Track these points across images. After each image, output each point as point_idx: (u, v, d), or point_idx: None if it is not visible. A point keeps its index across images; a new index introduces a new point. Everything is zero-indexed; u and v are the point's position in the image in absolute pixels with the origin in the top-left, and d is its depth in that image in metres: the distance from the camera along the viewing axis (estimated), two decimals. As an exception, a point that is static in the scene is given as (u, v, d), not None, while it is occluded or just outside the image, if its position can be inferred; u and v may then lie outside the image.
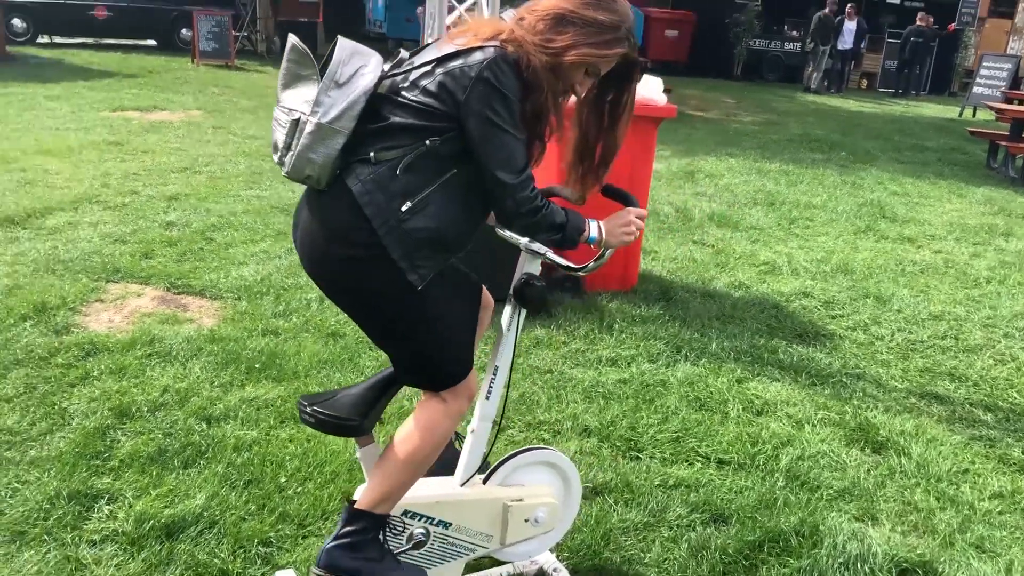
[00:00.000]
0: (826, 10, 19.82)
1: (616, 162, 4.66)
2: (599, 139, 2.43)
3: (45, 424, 3.29)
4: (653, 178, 8.57)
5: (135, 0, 17.32)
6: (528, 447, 2.66)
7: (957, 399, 4.19)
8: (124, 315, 4.40)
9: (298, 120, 2.13)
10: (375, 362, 3.94)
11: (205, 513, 2.79)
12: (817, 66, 20.18)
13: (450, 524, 2.46)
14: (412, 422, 2.31)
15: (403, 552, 2.40)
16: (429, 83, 2.12)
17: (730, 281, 5.59)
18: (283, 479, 3.02)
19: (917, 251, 6.71)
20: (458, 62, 2.11)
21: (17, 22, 16.20)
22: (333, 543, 2.24)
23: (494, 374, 2.47)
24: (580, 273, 2.44)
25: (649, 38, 20.87)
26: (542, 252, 2.43)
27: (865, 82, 23.25)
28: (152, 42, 18.32)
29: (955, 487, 3.39)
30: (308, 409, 2.23)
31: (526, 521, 2.56)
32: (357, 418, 2.22)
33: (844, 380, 4.25)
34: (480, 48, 2.12)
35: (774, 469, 3.35)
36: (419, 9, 16.54)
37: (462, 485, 2.49)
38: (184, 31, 17.17)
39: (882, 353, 4.65)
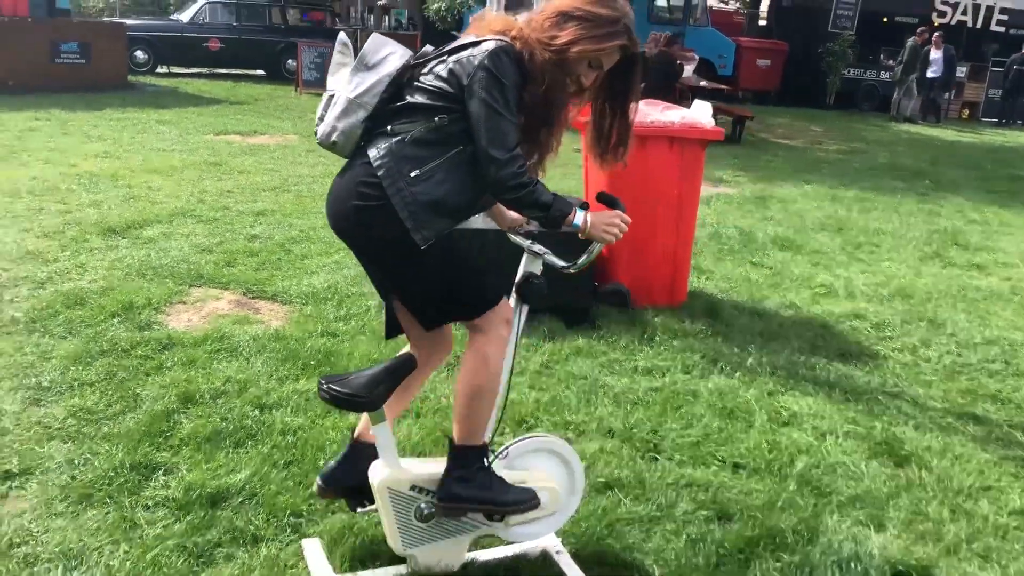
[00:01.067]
0: (916, 38, 19.43)
1: (663, 181, 4.87)
2: (613, 125, 2.70)
3: (119, 406, 3.68)
4: (722, 202, 8.74)
5: (245, 32, 18.33)
6: (533, 434, 2.89)
7: (995, 420, 4.20)
8: (202, 315, 4.81)
9: (332, 96, 2.54)
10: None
11: (247, 486, 3.11)
12: (906, 95, 19.76)
13: (457, 501, 2.70)
14: (466, 362, 2.60)
15: (411, 523, 2.65)
16: (441, 69, 2.48)
17: (781, 301, 5.68)
18: (321, 461, 3.31)
19: (984, 278, 6.65)
20: (467, 52, 2.46)
21: (139, 54, 17.34)
22: (447, 478, 2.56)
23: (497, 365, 2.70)
24: (570, 270, 2.65)
25: (740, 67, 20.88)
26: (542, 253, 2.66)
27: (967, 112, 22.62)
28: (260, 72, 19.31)
29: (973, 502, 3.44)
30: (324, 386, 2.52)
31: (528, 502, 2.77)
32: (365, 395, 2.49)
33: (879, 398, 4.32)
34: (486, 40, 2.45)
35: (788, 475, 3.48)
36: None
37: (467, 466, 2.73)
38: (289, 61, 18.04)
39: (926, 374, 4.68)
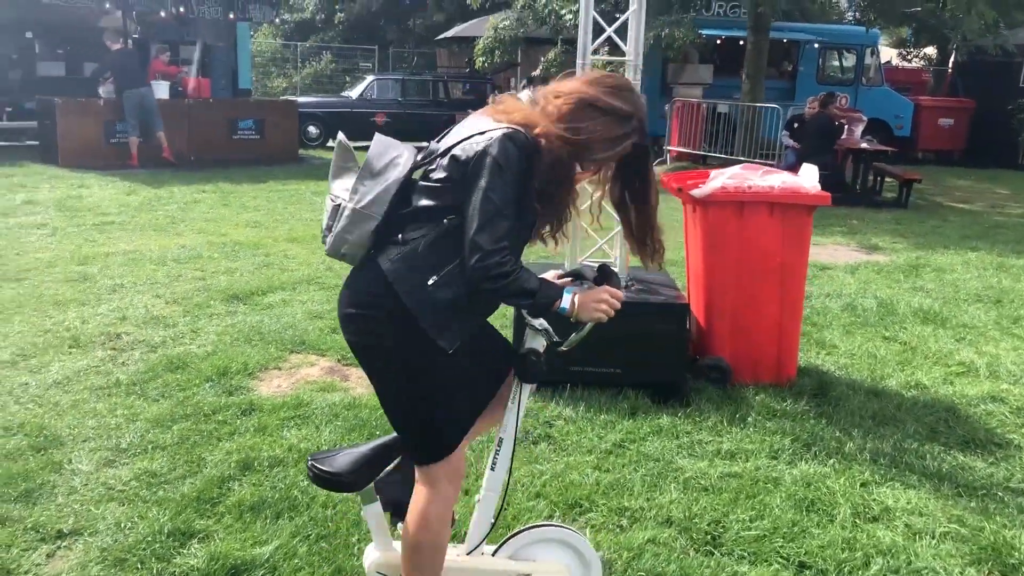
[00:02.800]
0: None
1: (763, 250, 4.58)
2: (637, 217, 2.58)
3: (182, 470, 3.77)
4: (870, 270, 8.18)
5: (410, 107, 19.15)
6: (544, 523, 2.70)
7: None
8: (292, 381, 4.91)
9: (339, 206, 2.44)
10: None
11: (270, 559, 3.08)
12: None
13: (454, 592, 2.56)
14: (410, 513, 2.49)
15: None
16: (446, 160, 2.36)
17: (906, 380, 5.17)
18: (355, 538, 3.24)
19: None
20: (472, 140, 2.34)
21: (311, 128, 18.46)
22: None
23: (499, 446, 2.55)
24: (562, 348, 2.48)
25: (920, 127, 19.75)
26: (543, 329, 2.51)
27: None
28: (425, 144, 20.03)
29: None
30: (310, 463, 2.46)
31: (535, 597, 2.59)
32: (348, 475, 2.40)
33: (999, 494, 3.80)
34: (495, 128, 2.33)
35: (858, 580, 3.09)
36: (666, 106, 16.97)
37: (468, 554, 2.58)
38: (452, 133, 18.62)
39: (1065, 469, 4.09)
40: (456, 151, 2.34)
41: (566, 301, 2.36)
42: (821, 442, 4.21)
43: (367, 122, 18.91)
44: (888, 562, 3.18)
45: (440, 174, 2.36)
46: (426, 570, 2.47)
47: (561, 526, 2.71)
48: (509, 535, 2.68)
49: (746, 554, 3.24)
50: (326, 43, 25.30)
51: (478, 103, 19.32)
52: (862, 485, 3.80)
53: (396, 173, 2.41)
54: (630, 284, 4.96)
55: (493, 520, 2.59)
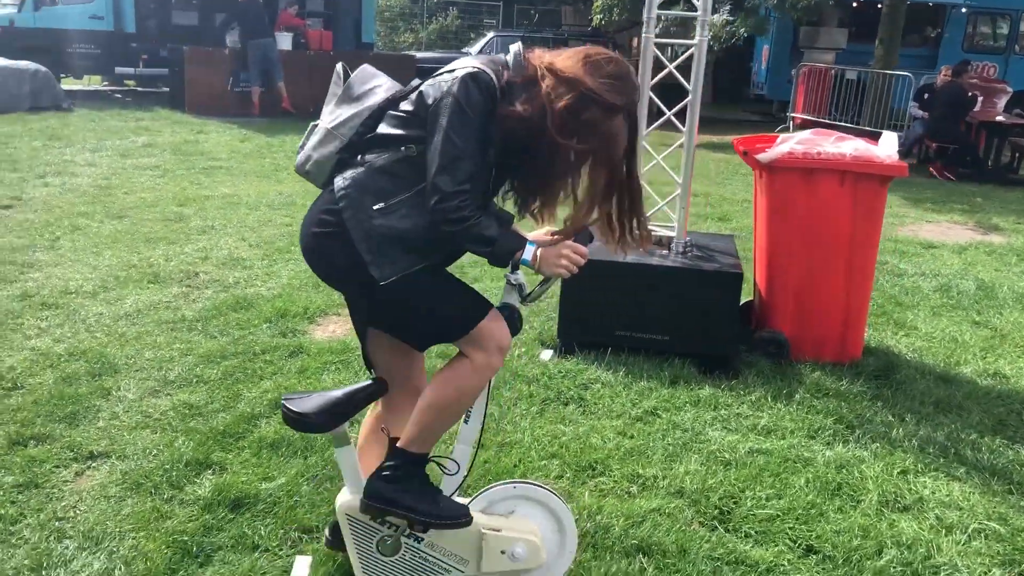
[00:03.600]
0: None
1: (831, 221, 4.33)
2: (623, 201, 2.50)
3: (219, 404, 3.91)
4: (981, 251, 7.69)
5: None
6: (520, 480, 2.66)
7: None
8: (346, 328, 5.00)
9: (315, 126, 2.49)
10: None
11: (272, 495, 3.16)
12: None
13: (422, 539, 2.56)
14: (442, 372, 2.48)
15: (373, 555, 2.55)
16: (415, 95, 2.35)
17: (985, 368, 4.83)
18: (361, 481, 3.29)
19: None
20: (441, 76, 2.31)
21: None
22: (376, 475, 2.48)
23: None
24: (523, 301, 2.42)
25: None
26: (517, 284, 2.46)
27: None
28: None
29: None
30: (282, 402, 2.49)
31: (502, 553, 2.57)
32: (315, 416, 2.43)
33: (1055, 495, 3.52)
34: (463, 66, 2.29)
35: (863, 569, 2.92)
36: (792, 71, 16.27)
37: (440, 504, 2.58)
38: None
39: None
40: (424, 87, 2.33)
41: (528, 253, 2.30)
42: (868, 425, 3.99)
43: (486, 79, 18.94)
44: (902, 554, 3.00)
45: (407, 106, 2.35)
46: (437, 430, 2.47)
47: (548, 489, 2.66)
48: (489, 486, 2.65)
49: (752, 532, 3.12)
50: (454, -1, 25.43)
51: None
52: (900, 473, 3.59)
53: (373, 100, 2.42)
54: (688, 249, 4.81)
55: (466, 472, 2.58)
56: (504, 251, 2.29)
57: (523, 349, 4.73)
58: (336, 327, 5.00)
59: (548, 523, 2.64)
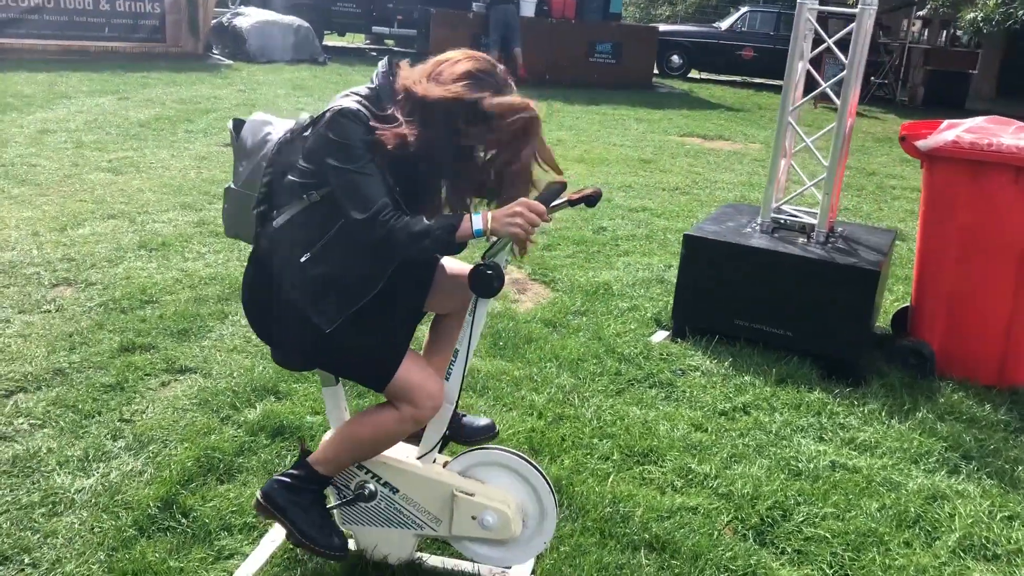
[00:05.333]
0: None
1: (1002, 225, 4.06)
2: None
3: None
4: None
5: (781, 42, 18.09)
6: (503, 448, 2.55)
7: None
8: (472, 285, 5.04)
9: (228, 188, 2.53)
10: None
11: (311, 428, 3.26)
12: None
13: (397, 490, 2.54)
14: (369, 410, 2.48)
15: (349, 501, 2.56)
16: (304, 139, 2.33)
17: None
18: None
19: None
20: (322, 116, 2.28)
21: (675, 58, 18.24)
22: (278, 477, 2.51)
23: (454, 357, 2.45)
24: (481, 261, 2.27)
25: None
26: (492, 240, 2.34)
27: None
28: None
29: None
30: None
31: (473, 519, 2.49)
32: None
33: None
34: (331, 105, 2.26)
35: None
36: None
37: (419, 458, 2.53)
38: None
39: None
40: (308, 135, 2.31)
41: (477, 221, 2.19)
42: (989, 459, 3.46)
43: (733, 56, 18.30)
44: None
45: (300, 152, 2.32)
46: (346, 460, 2.47)
47: (532, 464, 2.53)
48: (472, 448, 2.57)
49: (789, 550, 2.81)
50: (717, -28, 24.60)
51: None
52: (1006, 518, 3.08)
53: (267, 149, 2.41)
54: (831, 239, 4.38)
55: (444, 430, 2.51)
56: (444, 232, 2.18)
57: (633, 326, 4.54)
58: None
59: (527, 498, 2.52)
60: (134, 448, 3.11)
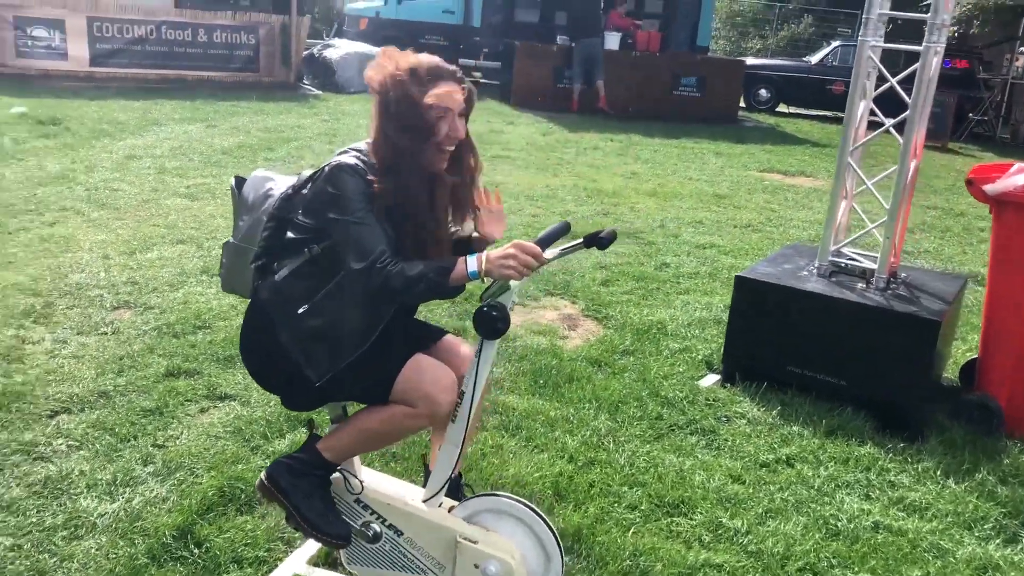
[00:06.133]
0: None
1: None
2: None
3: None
4: None
5: (874, 77, 17.63)
6: (511, 496, 2.49)
7: None
8: (524, 318, 5.00)
9: (227, 242, 2.57)
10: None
11: (337, 462, 3.25)
12: None
13: (401, 533, 2.50)
14: (383, 408, 2.42)
15: (357, 538, 2.53)
16: (305, 198, 2.38)
17: None
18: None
19: None
20: (320, 171, 2.34)
21: (763, 92, 17.94)
22: (283, 459, 2.51)
23: (460, 398, 2.40)
24: (482, 301, 2.23)
25: None
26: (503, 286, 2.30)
27: None
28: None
29: None
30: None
31: (476, 567, 2.42)
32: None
33: None
34: (332, 159, 2.33)
35: None
36: None
37: (424, 502, 2.49)
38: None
39: None
40: (310, 194, 2.35)
41: (472, 263, 2.20)
42: (1053, 528, 3.22)
43: (822, 90, 17.90)
44: None
45: (300, 207, 2.37)
46: (354, 450, 2.47)
47: (540, 515, 2.45)
48: (479, 494, 2.51)
49: (816, 618, 2.66)
50: (811, 5, 24.10)
51: (962, 79, 17.10)
52: (1060, 594, 2.86)
53: (268, 204, 2.45)
54: (892, 285, 4.18)
55: (451, 474, 2.46)
56: (438, 275, 2.20)
57: (681, 368, 4.41)
58: (516, 317, 5.00)
59: (532, 550, 2.44)
60: (162, 474, 3.15)
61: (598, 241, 2.42)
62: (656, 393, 4.09)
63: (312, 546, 2.79)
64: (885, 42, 4.26)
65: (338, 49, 15.27)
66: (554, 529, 2.44)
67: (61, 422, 3.46)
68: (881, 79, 4.29)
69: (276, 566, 2.70)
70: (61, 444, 3.30)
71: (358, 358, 2.35)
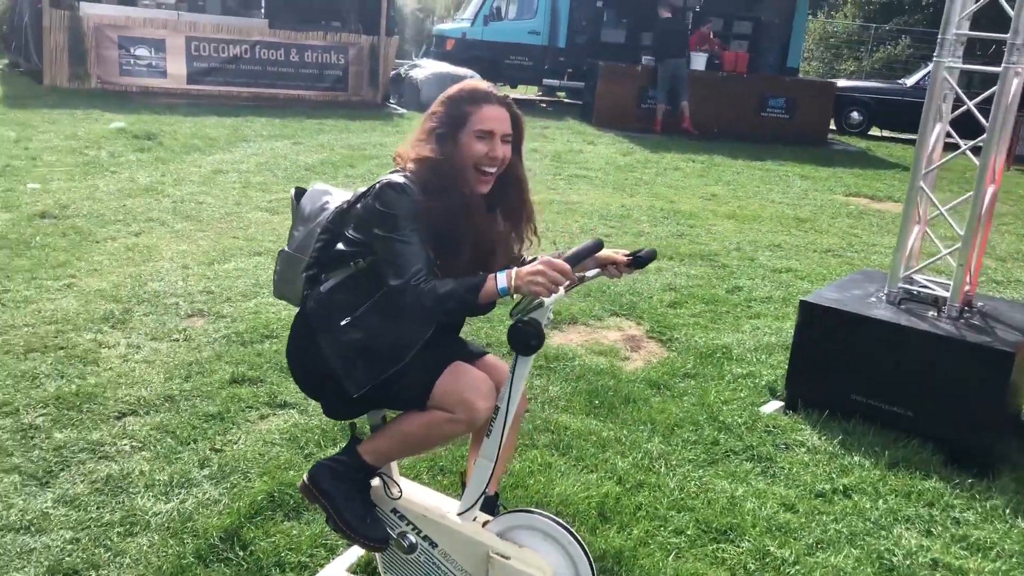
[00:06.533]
0: None
1: None
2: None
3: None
4: None
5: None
6: (545, 513, 2.48)
7: None
8: (585, 338, 4.99)
9: (281, 251, 2.66)
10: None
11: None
12: None
13: (436, 545, 2.52)
14: (423, 413, 2.45)
15: (393, 550, 2.56)
16: (355, 214, 2.46)
17: None
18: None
19: None
20: (370, 190, 2.41)
21: (854, 114, 17.51)
22: (325, 461, 2.56)
23: (494, 413, 2.41)
24: (521, 327, 2.23)
25: None
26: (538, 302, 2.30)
27: None
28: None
29: None
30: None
31: (507, 583, 2.42)
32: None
33: None
34: (379, 180, 2.40)
35: None
36: None
37: (459, 515, 2.50)
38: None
39: None
40: (360, 209, 2.42)
41: (502, 280, 2.21)
42: None
43: (918, 114, 17.26)
44: None
45: (351, 222, 2.44)
46: (395, 453, 2.52)
47: (573, 535, 2.43)
48: (513, 510, 2.51)
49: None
50: (908, 26, 23.42)
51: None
52: None
53: (324, 216, 2.53)
54: (965, 315, 4.03)
55: (484, 488, 2.46)
56: (468, 292, 2.23)
57: (743, 394, 4.33)
58: (576, 336, 5.00)
59: (565, 569, 2.43)
60: (216, 477, 3.24)
61: (637, 261, 2.40)
62: (714, 418, 4.02)
63: (353, 554, 2.83)
64: (964, 63, 4.12)
65: (424, 69, 15.55)
66: (587, 549, 2.42)
67: (127, 424, 3.60)
68: (958, 101, 4.15)
69: (317, 572, 2.75)
70: (125, 444, 3.43)
71: (397, 371, 2.39)
